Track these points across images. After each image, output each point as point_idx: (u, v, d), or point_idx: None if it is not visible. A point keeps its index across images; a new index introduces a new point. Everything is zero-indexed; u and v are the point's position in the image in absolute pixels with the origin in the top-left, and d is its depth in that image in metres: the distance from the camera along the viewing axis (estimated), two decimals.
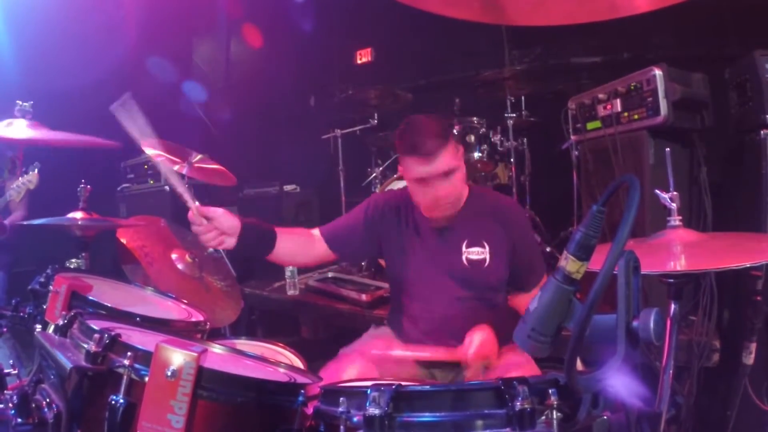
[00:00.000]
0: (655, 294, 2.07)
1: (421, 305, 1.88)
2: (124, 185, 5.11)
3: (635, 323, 0.84)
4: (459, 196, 1.80)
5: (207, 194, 4.90)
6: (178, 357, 0.93)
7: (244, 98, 6.20)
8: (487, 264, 1.81)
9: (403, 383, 0.99)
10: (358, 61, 5.23)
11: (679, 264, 1.34)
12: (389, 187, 3.38)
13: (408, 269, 1.90)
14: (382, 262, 2.29)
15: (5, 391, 0.99)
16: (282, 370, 1.28)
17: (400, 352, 1.73)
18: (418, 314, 1.89)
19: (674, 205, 1.46)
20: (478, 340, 1.63)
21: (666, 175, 1.53)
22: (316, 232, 1.96)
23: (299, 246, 1.92)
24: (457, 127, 3.53)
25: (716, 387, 2.15)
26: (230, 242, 1.69)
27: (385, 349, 1.80)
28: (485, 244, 1.82)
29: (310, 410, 1.07)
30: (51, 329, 1.24)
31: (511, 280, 1.88)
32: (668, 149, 1.61)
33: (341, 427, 0.98)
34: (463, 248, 1.83)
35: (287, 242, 1.87)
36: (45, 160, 2.93)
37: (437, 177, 1.69)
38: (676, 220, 1.47)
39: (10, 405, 0.96)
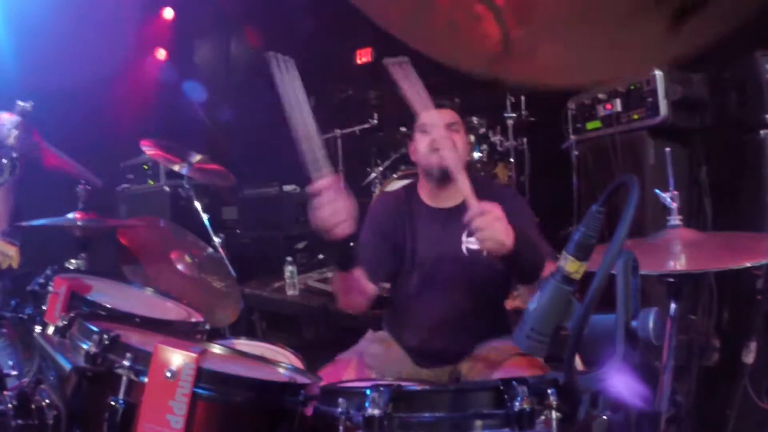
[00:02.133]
0: (655, 294, 2.07)
1: (420, 299, 1.87)
2: (124, 185, 5.11)
3: (634, 323, 0.84)
4: (459, 150, 1.82)
5: (207, 194, 4.91)
6: (177, 358, 0.93)
7: (244, 98, 6.20)
8: (486, 253, 1.81)
9: (402, 383, 0.99)
10: (358, 61, 5.22)
11: (679, 263, 1.34)
12: (388, 188, 3.37)
13: (409, 261, 1.89)
14: None
15: (5, 392, 0.99)
16: (282, 370, 1.28)
17: None
18: (418, 310, 1.88)
19: (674, 205, 1.46)
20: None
21: (666, 175, 1.53)
22: None
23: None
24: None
25: (716, 387, 2.15)
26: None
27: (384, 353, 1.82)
28: None
29: (309, 410, 1.07)
30: (50, 330, 1.24)
31: None
32: (668, 149, 1.61)
33: (341, 427, 0.98)
34: (463, 238, 1.83)
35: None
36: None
37: (443, 125, 1.82)
38: (676, 219, 1.47)
39: (10, 406, 0.96)
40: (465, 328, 1.81)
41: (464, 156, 1.88)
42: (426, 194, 1.93)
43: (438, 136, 1.79)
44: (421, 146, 1.87)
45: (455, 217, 1.85)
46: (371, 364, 1.79)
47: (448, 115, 1.87)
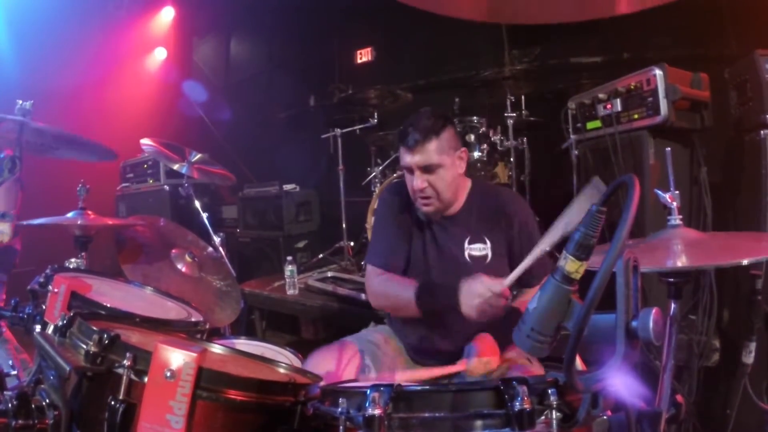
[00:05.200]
0: (655, 294, 2.07)
1: None
2: (124, 185, 5.12)
3: (634, 323, 0.84)
4: (440, 194, 1.79)
5: (207, 194, 4.91)
6: (177, 357, 0.93)
7: (244, 98, 6.21)
8: (488, 260, 1.81)
9: (402, 383, 0.99)
10: (358, 61, 5.23)
11: (680, 262, 1.34)
12: (382, 192, 3.36)
13: (412, 264, 1.89)
14: None
15: (5, 392, 0.99)
16: (282, 370, 1.28)
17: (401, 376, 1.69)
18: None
19: (674, 205, 1.46)
20: (476, 348, 1.64)
21: (666, 174, 1.53)
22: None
23: None
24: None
25: (716, 387, 2.15)
26: None
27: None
28: (487, 240, 1.82)
29: (309, 410, 1.07)
30: (50, 330, 1.24)
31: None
32: (668, 149, 1.61)
33: (341, 427, 0.97)
34: (466, 244, 1.83)
35: None
36: (45, 159, 2.93)
37: (417, 168, 1.77)
38: (676, 219, 1.47)
39: (10, 405, 0.96)
40: (465, 330, 1.81)
41: (448, 191, 1.81)
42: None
43: (415, 188, 1.78)
44: (409, 187, 1.84)
45: (456, 224, 1.86)
46: (368, 351, 1.81)
47: (421, 156, 1.76)
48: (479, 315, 1.53)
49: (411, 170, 1.79)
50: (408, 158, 1.78)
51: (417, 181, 1.77)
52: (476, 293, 1.53)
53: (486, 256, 1.82)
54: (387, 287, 1.85)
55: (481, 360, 1.61)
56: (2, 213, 2.24)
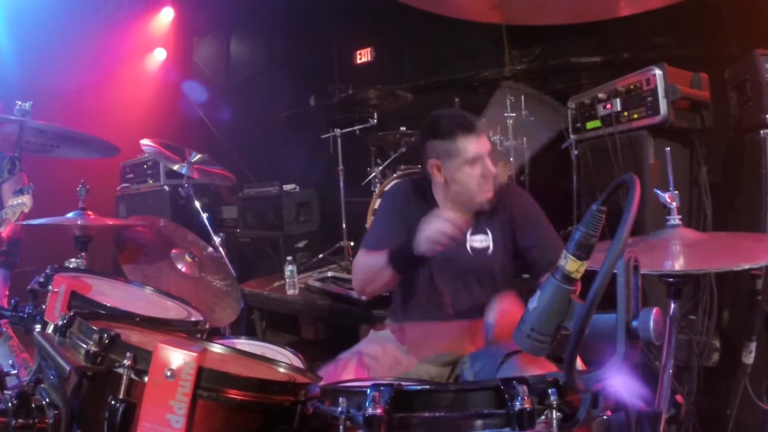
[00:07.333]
0: (655, 294, 2.07)
1: (426, 294, 1.87)
2: (124, 185, 5.12)
3: (635, 323, 0.84)
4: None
5: (207, 194, 4.91)
6: (177, 357, 0.93)
7: (244, 98, 6.21)
8: (490, 251, 1.82)
9: (402, 383, 0.99)
10: (358, 61, 5.23)
11: (678, 263, 1.34)
12: (389, 187, 3.37)
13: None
14: None
15: (5, 391, 0.99)
16: (282, 370, 1.28)
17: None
18: (423, 304, 1.88)
19: (674, 205, 1.46)
20: (495, 314, 1.63)
21: (666, 174, 1.53)
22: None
23: None
24: None
25: (716, 387, 2.15)
26: None
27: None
28: (488, 232, 1.83)
29: (309, 410, 1.07)
30: (50, 329, 1.24)
31: (530, 263, 1.86)
32: (668, 149, 1.61)
33: (341, 427, 0.98)
34: (468, 236, 1.83)
35: None
36: (45, 159, 2.93)
37: (489, 155, 1.76)
38: (675, 219, 1.47)
39: (10, 405, 0.96)
40: (467, 324, 1.81)
41: None
42: (444, 203, 1.87)
43: (494, 172, 1.74)
44: (470, 181, 1.76)
45: None
46: (369, 365, 1.80)
47: (488, 143, 1.77)
48: (430, 240, 1.52)
49: (480, 158, 1.75)
50: (481, 147, 1.74)
51: (491, 164, 1.74)
52: (430, 222, 1.53)
53: (488, 247, 1.82)
54: (364, 260, 1.83)
55: (500, 331, 1.59)
56: (20, 188, 2.27)
